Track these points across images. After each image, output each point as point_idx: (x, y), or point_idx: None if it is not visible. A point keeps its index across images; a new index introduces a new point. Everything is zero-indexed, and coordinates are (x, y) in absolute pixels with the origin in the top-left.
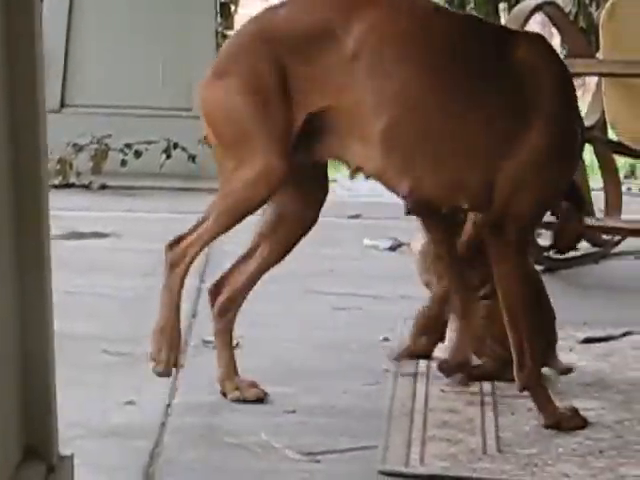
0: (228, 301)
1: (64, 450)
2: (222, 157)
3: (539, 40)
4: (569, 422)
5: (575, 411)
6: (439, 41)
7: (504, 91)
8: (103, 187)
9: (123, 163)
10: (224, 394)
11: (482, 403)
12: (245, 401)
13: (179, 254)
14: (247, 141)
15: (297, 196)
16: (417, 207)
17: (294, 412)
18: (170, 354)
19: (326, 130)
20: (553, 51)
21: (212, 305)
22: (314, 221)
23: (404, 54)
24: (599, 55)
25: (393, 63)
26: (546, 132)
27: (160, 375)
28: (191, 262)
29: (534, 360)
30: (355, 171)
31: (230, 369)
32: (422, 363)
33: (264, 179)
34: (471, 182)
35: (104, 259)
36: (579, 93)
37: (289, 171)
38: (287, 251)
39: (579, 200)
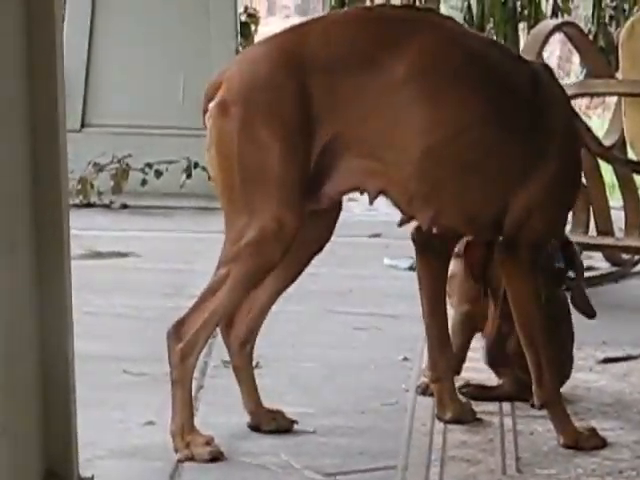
0: (246, 333)
1: (84, 472)
2: (230, 206)
3: (549, 71)
4: (588, 442)
5: (594, 431)
6: (487, 72)
7: (527, 124)
8: (124, 207)
9: (144, 183)
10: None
11: (501, 424)
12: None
13: (191, 343)
14: (261, 188)
15: (310, 216)
16: (426, 234)
17: (314, 432)
18: (201, 440)
19: (340, 163)
20: (556, 79)
21: (226, 339)
22: (327, 240)
23: (454, 84)
24: (618, 75)
25: (442, 91)
26: (558, 160)
27: (213, 457)
28: (202, 349)
29: (552, 378)
30: (376, 196)
31: (256, 399)
32: None
33: (277, 239)
34: (485, 213)
35: (124, 279)
36: (599, 112)
37: (302, 223)
38: (300, 273)
39: (578, 267)
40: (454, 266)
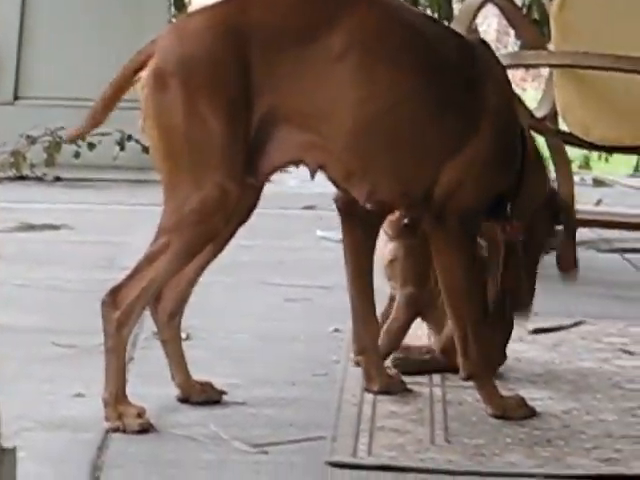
0: (174, 306)
1: (8, 443)
2: (170, 176)
3: (486, 47)
4: (516, 412)
5: (523, 401)
6: (423, 47)
7: (460, 98)
8: (57, 179)
9: (77, 155)
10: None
11: (431, 394)
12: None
13: (127, 312)
14: (204, 158)
15: None
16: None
17: (244, 404)
18: (133, 411)
19: (276, 136)
20: (495, 55)
21: (154, 312)
22: (252, 211)
23: (390, 57)
24: (551, 46)
25: (378, 65)
26: (490, 137)
27: (143, 429)
28: (138, 318)
29: (479, 349)
30: (316, 170)
31: (185, 372)
32: None
33: (220, 209)
34: (418, 186)
35: (56, 251)
36: (534, 84)
37: (244, 193)
38: (226, 243)
39: (570, 224)
40: (395, 249)
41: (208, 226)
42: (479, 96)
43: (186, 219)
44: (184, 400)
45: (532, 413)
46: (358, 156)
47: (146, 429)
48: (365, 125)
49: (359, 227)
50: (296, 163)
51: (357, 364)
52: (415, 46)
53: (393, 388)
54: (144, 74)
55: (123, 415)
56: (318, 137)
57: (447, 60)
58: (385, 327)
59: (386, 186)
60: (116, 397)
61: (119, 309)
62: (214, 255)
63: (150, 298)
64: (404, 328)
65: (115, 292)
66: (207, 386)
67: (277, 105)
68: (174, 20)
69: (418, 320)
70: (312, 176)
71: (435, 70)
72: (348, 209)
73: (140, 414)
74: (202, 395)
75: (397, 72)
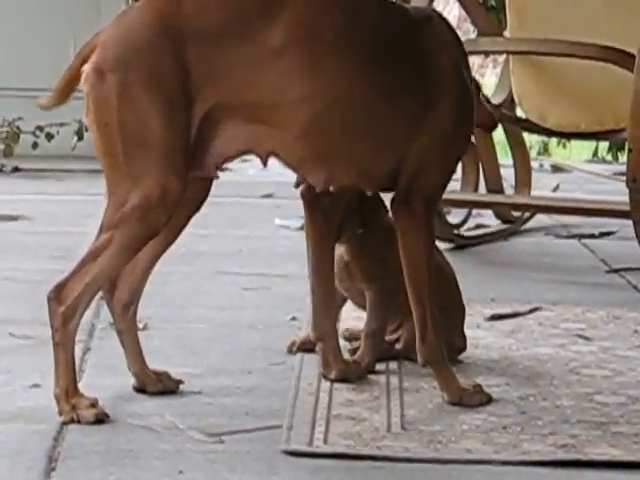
0: (128, 296)
1: None
2: (112, 172)
3: (436, 17)
4: (473, 399)
5: (479, 387)
6: (366, 33)
7: (413, 76)
8: (15, 170)
9: (35, 146)
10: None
11: (388, 381)
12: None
13: (72, 307)
14: (143, 154)
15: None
16: (314, 192)
17: (200, 393)
18: (86, 402)
19: (222, 130)
20: (451, 28)
21: (109, 303)
22: (204, 200)
23: (334, 48)
24: (507, 33)
25: (322, 57)
26: (449, 109)
27: (98, 419)
28: (84, 312)
29: (437, 336)
30: (267, 158)
31: (141, 362)
32: None
33: (162, 205)
34: (380, 168)
35: (13, 242)
36: (491, 70)
37: (186, 188)
38: (179, 234)
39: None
40: (349, 251)
41: (150, 222)
42: (433, 71)
43: (127, 215)
44: (141, 390)
45: (488, 400)
46: (310, 144)
47: (101, 419)
48: (315, 115)
49: (321, 215)
50: (246, 153)
51: (290, 350)
52: (358, 31)
53: (350, 375)
54: (86, 69)
55: (77, 407)
56: (266, 127)
57: (393, 40)
58: (363, 334)
59: (343, 171)
60: (67, 391)
61: (64, 304)
62: (167, 245)
63: (95, 293)
64: (383, 326)
65: (60, 287)
66: (164, 376)
67: (220, 99)
68: (130, 2)
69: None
70: (264, 164)
71: (381, 53)
72: (311, 197)
73: (94, 404)
74: (158, 385)
75: (341, 60)
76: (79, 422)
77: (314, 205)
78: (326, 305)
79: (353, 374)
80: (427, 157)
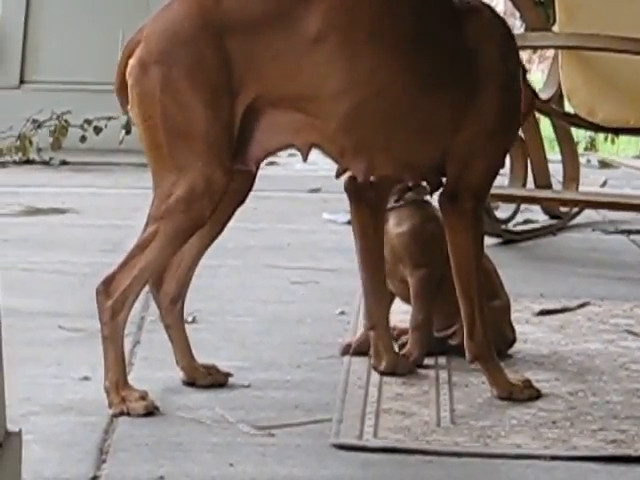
0: (175, 290)
1: (14, 426)
2: (157, 164)
3: (485, 9)
4: (522, 393)
5: (528, 382)
6: (406, 21)
7: (457, 66)
8: (63, 163)
9: (83, 139)
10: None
11: (437, 376)
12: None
13: (120, 300)
14: (188, 147)
15: None
16: (359, 184)
17: (249, 386)
18: (136, 395)
19: (264, 122)
20: (499, 19)
21: (156, 297)
22: (248, 192)
23: (373, 36)
24: (555, 28)
25: (362, 45)
26: (494, 101)
27: (148, 411)
28: (132, 305)
29: (485, 331)
30: (308, 151)
31: (189, 356)
32: None
33: (207, 196)
34: (423, 159)
35: (62, 235)
36: (536, 65)
37: (231, 180)
38: (224, 226)
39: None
40: (400, 235)
41: (194, 213)
42: (478, 62)
43: (173, 207)
44: (189, 383)
45: (537, 394)
46: (350, 134)
47: (151, 412)
48: (355, 106)
49: (367, 208)
50: (287, 147)
51: (344, 352)
52: (398, 19)
53: (399, 368)
54: (131, 62)
55: (126, 399)
56: (307, 118)
57: (435, 29)
58: (410, 327)
59: (384, 161)
60: (117, 383)
61: (112, 298)
62: (213, 239)
63: (143, 285)
64: (428, 317)
65: (108, 281)
66: (212, 369)
67: (262, 91)
68: None
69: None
70: (304, 158)
71: (422, 42)
72: (355, 190)
73: (143, 397)
74: (207, 378)
75: (381, 50)
76: (129, 415)
77: (359, 198)
78: (378, 295)
79: (402, 368)
80: (473, 151)
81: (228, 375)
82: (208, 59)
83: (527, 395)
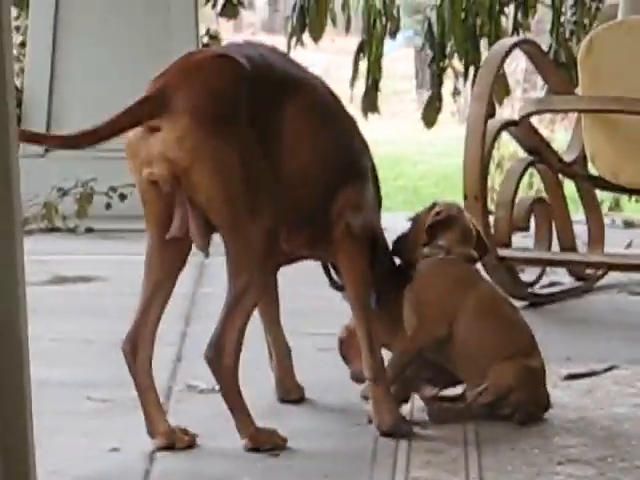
0: (150, 353)
1: None
2: (228, 218)
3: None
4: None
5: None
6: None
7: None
8: (89, 231)
9: (108, 206)
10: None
11: (465, 442)
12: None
13: (235, 357)
14: (256, 195)
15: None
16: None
17: (277, 456)
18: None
19: None
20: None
21: (132, 365)
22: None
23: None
24: (578, 90)
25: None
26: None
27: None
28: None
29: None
30: None
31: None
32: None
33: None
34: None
35: (89, 304)
36: (563, 124)
37: None
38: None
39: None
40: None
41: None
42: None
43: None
44: (167, 448)
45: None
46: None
47: None
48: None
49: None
50: None
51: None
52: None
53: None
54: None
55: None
56: None
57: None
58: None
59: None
60: (256, 429)
61: (228, 357)
62: (168, 299)
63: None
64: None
65: (216, 344)
66: (184, 430)
67: None
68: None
69: None
70: None
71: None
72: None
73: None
74: (185, 440)
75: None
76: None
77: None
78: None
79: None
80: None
81: (195, 437)
82: (248, 116)
83: (406, 430)
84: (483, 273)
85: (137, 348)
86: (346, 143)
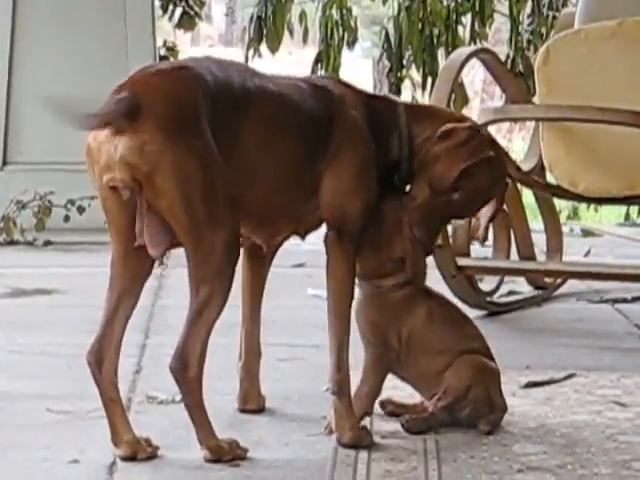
0: (116, 363)
1: None
2: (189, 225)
3: (334, 82)
4: (363, 440)
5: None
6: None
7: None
8: (47, 243)
9: (67, 219)
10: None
11: (425, 451)
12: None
13: (199, 368)
14: (217, 203)
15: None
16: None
17: (238, 466)
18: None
19: None
20: (344, 87)
21: (97, 376)
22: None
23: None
24: (536, 99)
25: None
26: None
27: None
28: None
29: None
30: None
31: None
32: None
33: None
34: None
35: (49, 316)
36: (521, 134)
37: None
38: (140, 295)
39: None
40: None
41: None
42: (328, 135)
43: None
44: (130, 458)
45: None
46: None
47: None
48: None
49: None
50: None
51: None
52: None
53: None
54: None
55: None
56: None
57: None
58: (354, 391)
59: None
60: (223, 444)
61: (192, 367)
62: (133, 311)
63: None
64: (375, 391)
65: (181, 355)
66: (147, 441)
67: None
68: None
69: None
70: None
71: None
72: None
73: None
74: (148, 451)
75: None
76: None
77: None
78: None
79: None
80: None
81: (158, 448)
82: (208, 128)
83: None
84: (439, 287)
85: (102, 359)
86: (311, 150)
